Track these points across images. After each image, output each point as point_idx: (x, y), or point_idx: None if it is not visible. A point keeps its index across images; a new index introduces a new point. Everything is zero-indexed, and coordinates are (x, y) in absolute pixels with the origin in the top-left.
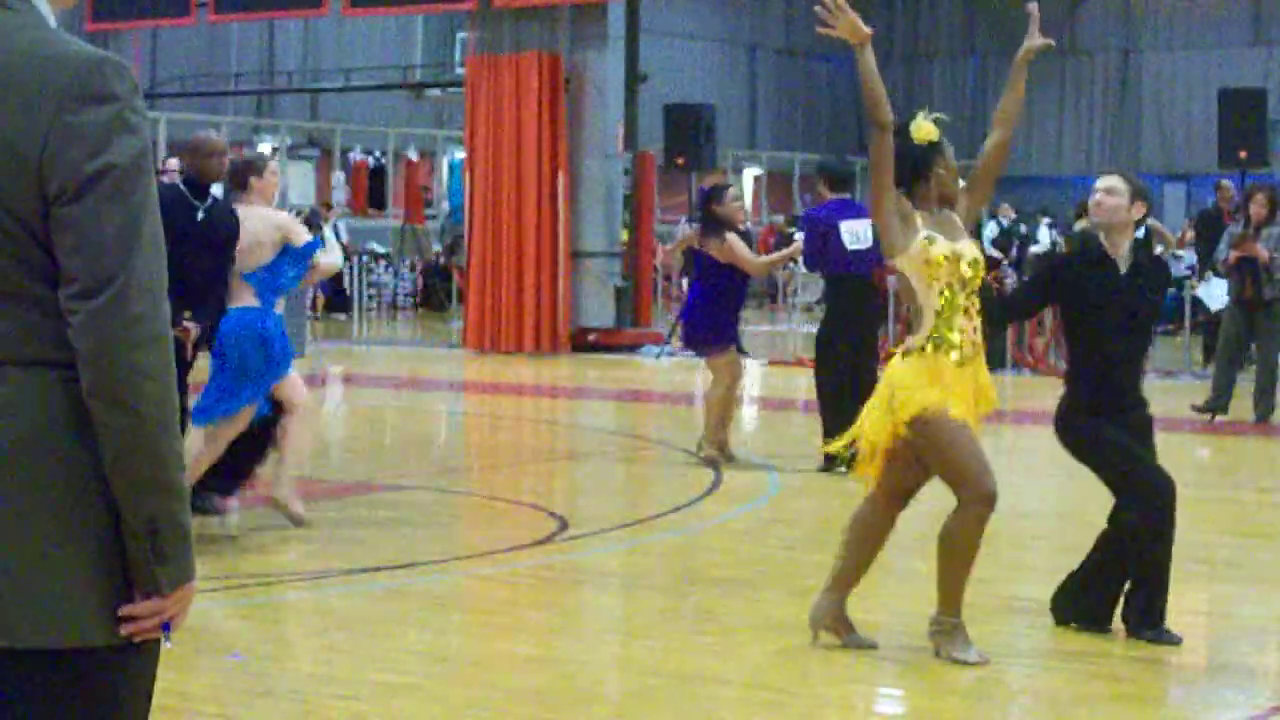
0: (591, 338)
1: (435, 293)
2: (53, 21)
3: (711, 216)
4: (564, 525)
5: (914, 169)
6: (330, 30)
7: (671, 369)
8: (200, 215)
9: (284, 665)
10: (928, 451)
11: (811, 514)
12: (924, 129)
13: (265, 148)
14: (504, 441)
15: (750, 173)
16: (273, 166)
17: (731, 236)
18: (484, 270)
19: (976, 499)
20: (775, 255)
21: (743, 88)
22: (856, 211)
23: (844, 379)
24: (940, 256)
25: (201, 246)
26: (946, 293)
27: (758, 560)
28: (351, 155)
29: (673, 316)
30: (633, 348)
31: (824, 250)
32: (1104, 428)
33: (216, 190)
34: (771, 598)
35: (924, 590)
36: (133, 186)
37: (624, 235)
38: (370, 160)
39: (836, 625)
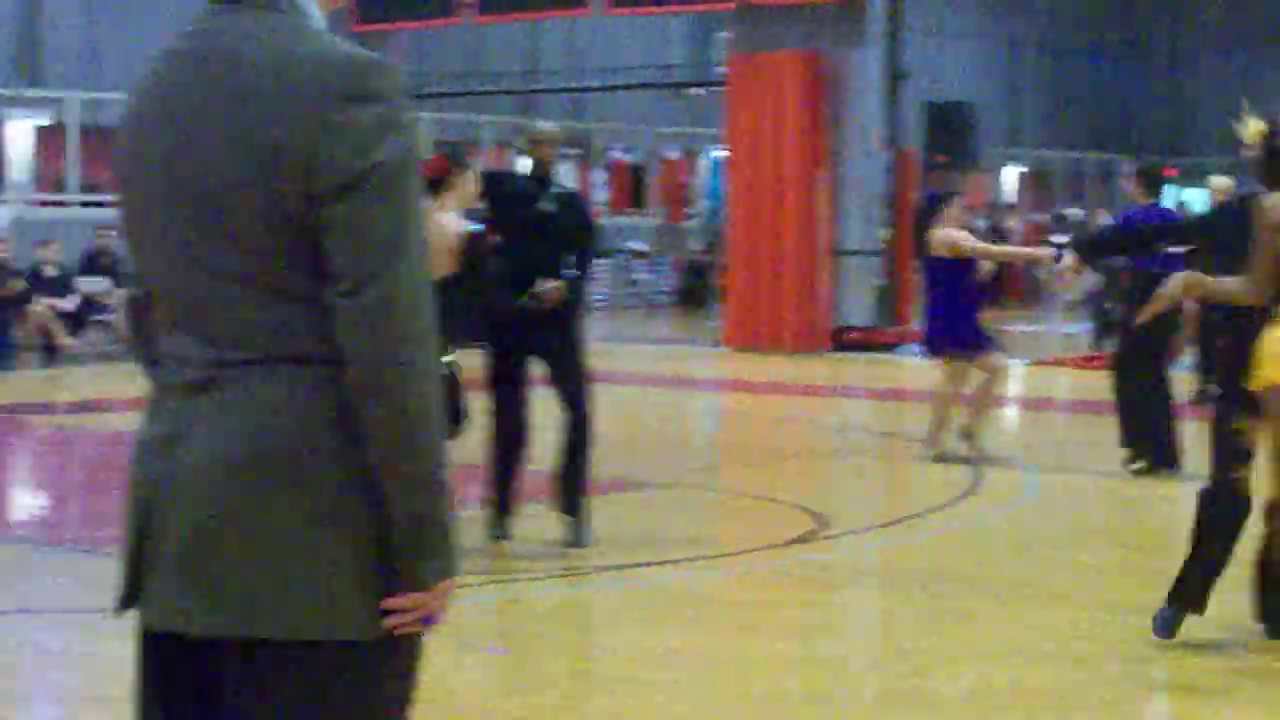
0: (851, 336)
1: (694, 290)
2: (321, 22)
3: (937, 220)
4: (823, 523)
5: None
6: (592, 30)
7: (932, 368)
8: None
9: (545, 660)
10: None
11: (1071, 516)
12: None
13: None
14: (763, 439)
15: (1013, 170)
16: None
17: (949, 230)
18: (743, 268)
19: None
20: (1013, 251)
21: (1005, 84)
22: (1170, 216)
23: (1148, 382)
24: None
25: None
26: None
27: (1016, 562)
28: (611, 154)
29: None
30: (892, 346)
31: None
32: None
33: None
34: (1031, 599)
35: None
36: (399, 185)
37: (884, 234)
38: (630, 159)
39: None
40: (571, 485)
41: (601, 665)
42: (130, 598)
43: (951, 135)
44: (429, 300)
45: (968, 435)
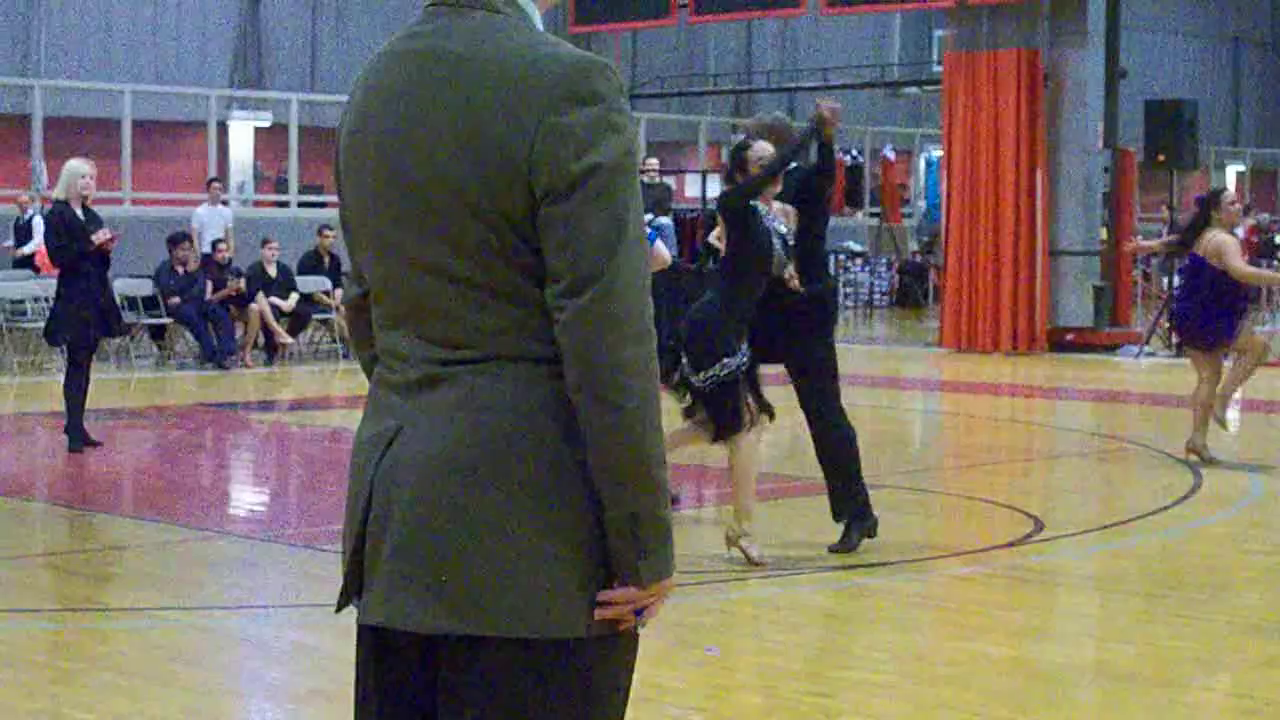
0: (1069, 337)
1: (912, 291)
2: (540, 23)
3: (1208, 221)
4: (1039, 526)
5: None
6: (807, 29)
7: (1150, 370)
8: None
9: (756, 660)
10: None
11: None
12: None
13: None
14: (980, 441)
15: (1233, 170)
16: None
17: (1222, 238)
18: (961, 268)
19: None
20: (1265, 274)
21: (1226, 83)
22: None
23: None
24: None
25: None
26: None
27: (1238, 565)
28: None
29: (1152, 317)
30: (1111, 348)
31: None
32: None
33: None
34: (1253, 603)
35: None
36: (619, 186)
37: (1103, 234)
38: (848, 159)
39: None
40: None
41: (815, 666)
42: (351, 594)
43: (1171, 134)
44: (647, 301)
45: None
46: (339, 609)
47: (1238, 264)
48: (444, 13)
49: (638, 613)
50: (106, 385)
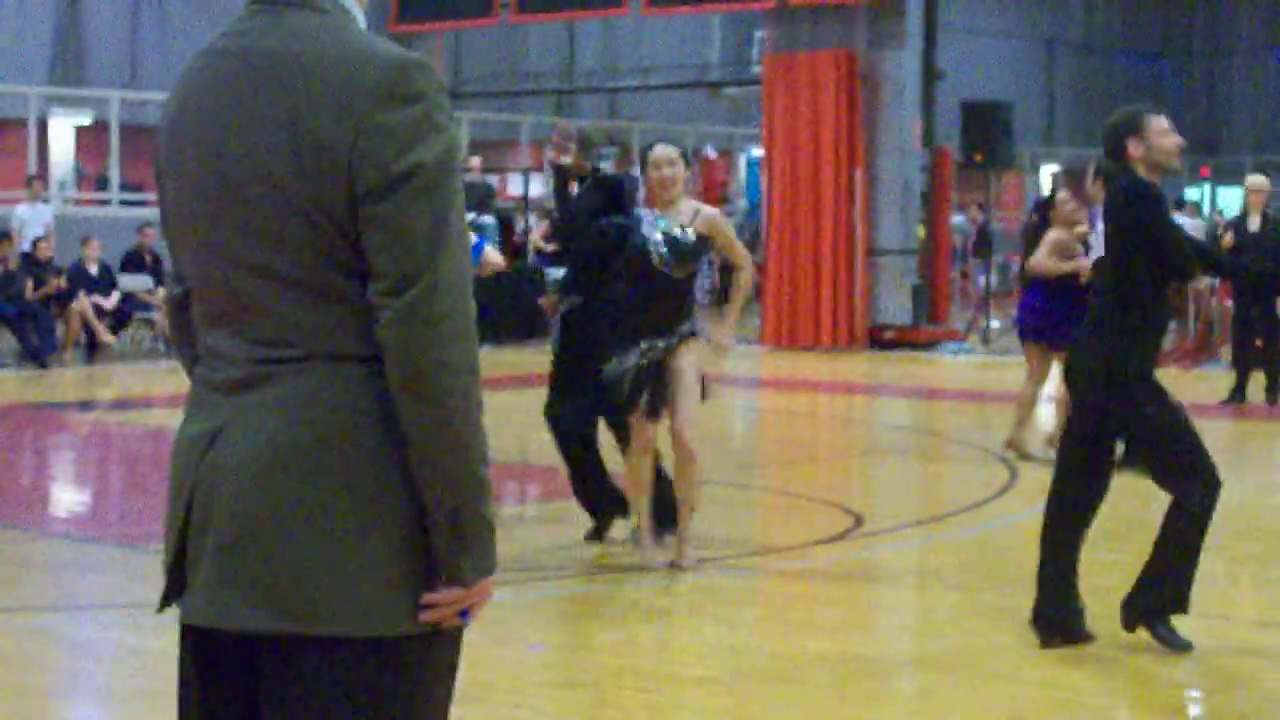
0: (888, 335)
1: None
2: (362, 22)
3: (1047, 223)
4: (859, 522)
5: None
6: (629, 29)
7: (968, 366)
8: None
9: (582, 656)
10: None
11: (1108, 513)
12: None
13: None
14: (800, 437)
15: (1048, 170)
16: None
17: (1048, 237)
18: (781, 267)
19: None
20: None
21: (1041, 84)
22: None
23: None
24: None
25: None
26: None
27: None
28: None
29: (970, 314)
30: (929, 345)
31: None
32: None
33: None
34: None
35: None
36: (440, 184)
37: (921, 233)
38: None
39: None
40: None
41: (638, 661)
42: (172, 593)
43: (988, 134)
44: (469, 301)
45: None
46: (161, 609)
47: (1037, 257)
48: (265, 11)
49: (463, 613)
50: None
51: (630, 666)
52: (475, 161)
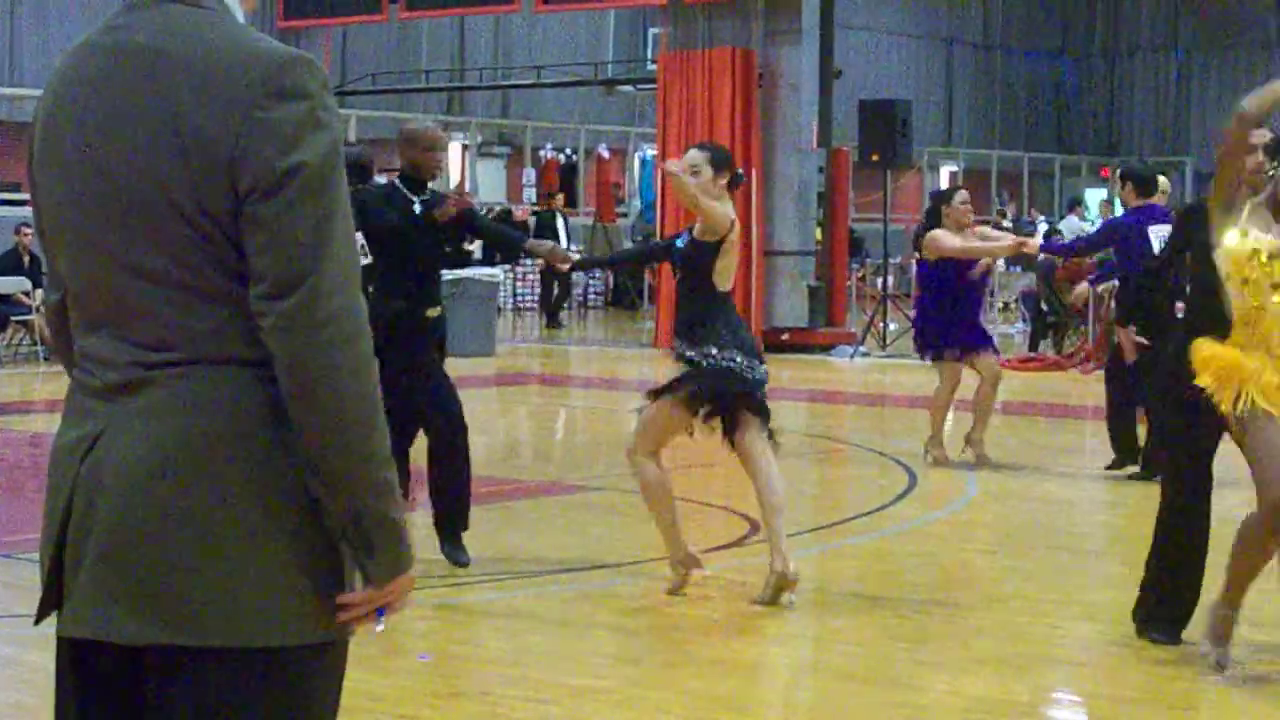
0: (785, 337)
1: (626, 291)
2: (241, 17)
3: (937, 219)
4: (755, 528)
5: None
6: (521, 27)
7: (865, 369)
8: (418, 209)
9: (472, 666)
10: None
11: (1009, 519)
12: None
13: (456, 145)
14: (693, 442)
15: (947, 170)
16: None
17: (935, 232)
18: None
19: None
20: (984, 245)
21: (939, 83)
22: (1163, 216)
23: (1133, 387)
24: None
25: (423, 240)
26: None
27: (954, 565)
28: (542, 152)
29: (867, 317)
30: (826, 348)
31: (1130, 257)
32: None
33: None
34: (968, 602)
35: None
36: (325, 184)
37: (818, 234)
38: (561, 157)
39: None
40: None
41: (533, 671)
42: (49, 605)
43: (885, 134)
44: (357, 301)
45: (972, 441)
46: (38, 620)
47: (951, 242)
48: (143, 6)
49: (379, 612)
50: None
51: (523, 676)
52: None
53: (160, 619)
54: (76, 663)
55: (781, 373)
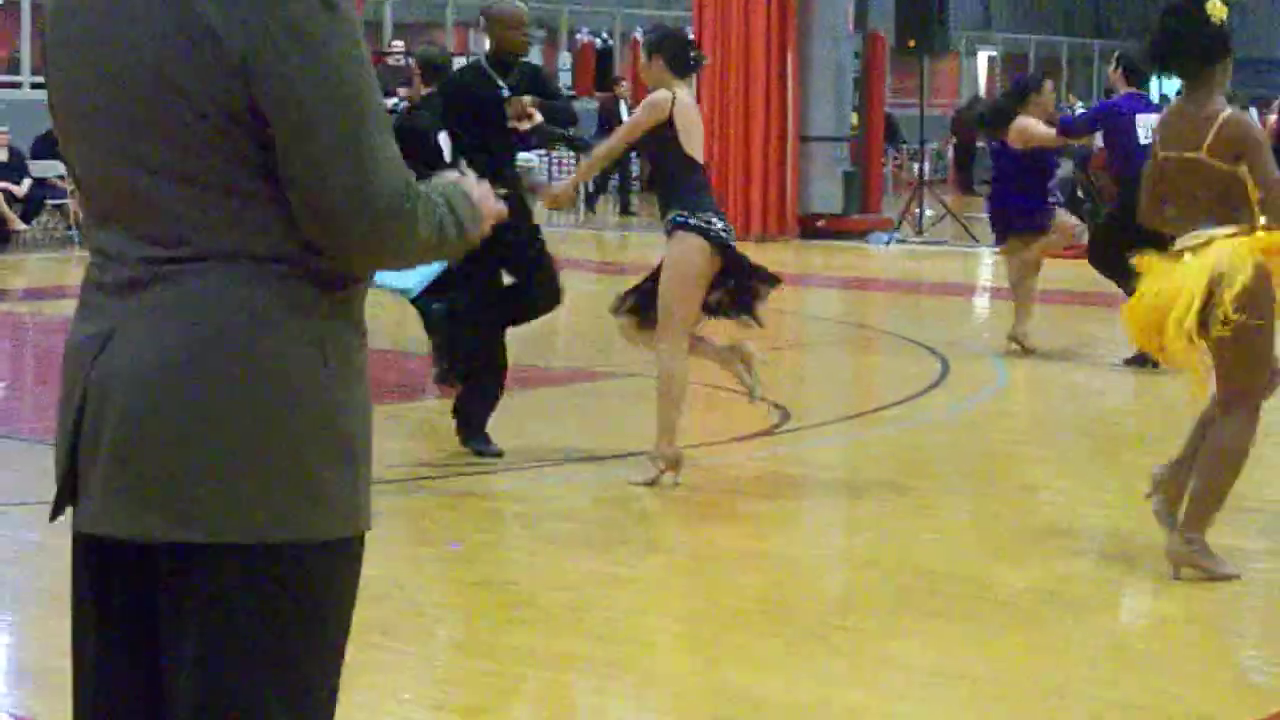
0: (820, 223)
1: None
2: None
3: (1014, 107)
4: (786, 416)
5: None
6: None
7: (900, 256)
8: (505, 92)
9: (500, 555)
10: None
11: (1037, 408)
12: (1219, 7)
13: None
14: (728, 329)
15: (984, 55)
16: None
17: (1025, 120)
18: (710, 152)
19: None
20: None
21: None
22: (1151, 106)
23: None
24: None
25: (502, 123)
26: None
27: (981, 455)
28: (578, 36)
29: (904, 202)
30: (861, 234)
31: (1119, 145)
32: None
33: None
34: (994, 492)
35: None
36: (346, 73)
37: (854, 119)
38: (598, 42)
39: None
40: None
41: (556, 558)
42: (64, 501)
43: (922, 19)
44: (402, 179)
45: (1018, 334)
46: (53, 516)
47: (1041, 130)
48: None
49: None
50: None
51: (546, 564)
52: (398, 44)
53: (169, 516)
54: (91, 559)
55: (815, 259)
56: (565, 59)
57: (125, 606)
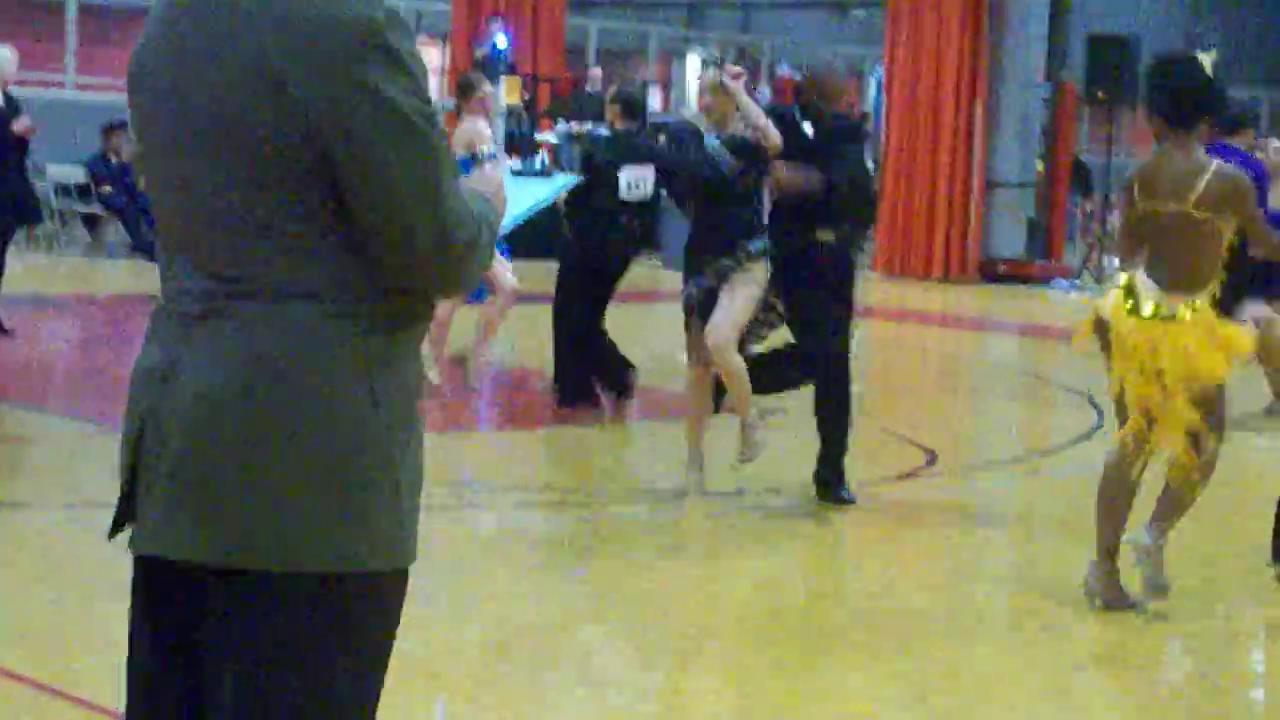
0: (1001, 268)
1: None
2: None
3: None
4: (932, 459)
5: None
6: None
7: (1080, 305)
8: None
9: (619, 583)
10: None
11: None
12: (1209, 64)
13: (693, 59)
14: (890, 367)
15: None
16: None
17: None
18: (897, 192)
19: None
20: None
21: (1176, 19)
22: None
23: None
24: None
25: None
26: None
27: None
28: (779, 71)
29: (1085, 251)
30: (1043, 280)
31: None
32: None
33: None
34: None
35: None
36: (417, 122)
37: (1039, 166)
38: (798, 76)
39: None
40: None
41: (686, 591)
42: (123, 523)
43: (1113, 70)
44: (471, 217)
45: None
46: (112, 535)
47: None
48: None
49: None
50: (34, 271)
51: (662, 591)
52: (596, 72)
53: (218, 540)
54: (146, 578)
55: (995, 303)
56: (764, 93)
57: (175, 624)
